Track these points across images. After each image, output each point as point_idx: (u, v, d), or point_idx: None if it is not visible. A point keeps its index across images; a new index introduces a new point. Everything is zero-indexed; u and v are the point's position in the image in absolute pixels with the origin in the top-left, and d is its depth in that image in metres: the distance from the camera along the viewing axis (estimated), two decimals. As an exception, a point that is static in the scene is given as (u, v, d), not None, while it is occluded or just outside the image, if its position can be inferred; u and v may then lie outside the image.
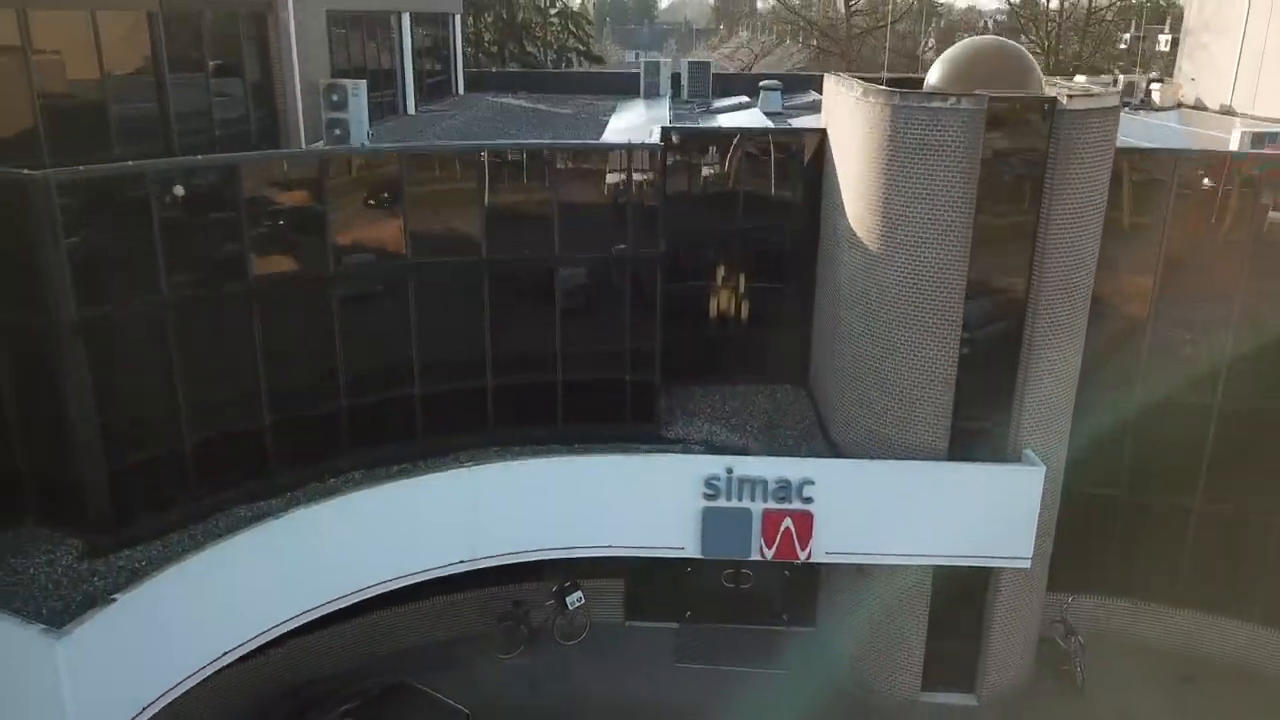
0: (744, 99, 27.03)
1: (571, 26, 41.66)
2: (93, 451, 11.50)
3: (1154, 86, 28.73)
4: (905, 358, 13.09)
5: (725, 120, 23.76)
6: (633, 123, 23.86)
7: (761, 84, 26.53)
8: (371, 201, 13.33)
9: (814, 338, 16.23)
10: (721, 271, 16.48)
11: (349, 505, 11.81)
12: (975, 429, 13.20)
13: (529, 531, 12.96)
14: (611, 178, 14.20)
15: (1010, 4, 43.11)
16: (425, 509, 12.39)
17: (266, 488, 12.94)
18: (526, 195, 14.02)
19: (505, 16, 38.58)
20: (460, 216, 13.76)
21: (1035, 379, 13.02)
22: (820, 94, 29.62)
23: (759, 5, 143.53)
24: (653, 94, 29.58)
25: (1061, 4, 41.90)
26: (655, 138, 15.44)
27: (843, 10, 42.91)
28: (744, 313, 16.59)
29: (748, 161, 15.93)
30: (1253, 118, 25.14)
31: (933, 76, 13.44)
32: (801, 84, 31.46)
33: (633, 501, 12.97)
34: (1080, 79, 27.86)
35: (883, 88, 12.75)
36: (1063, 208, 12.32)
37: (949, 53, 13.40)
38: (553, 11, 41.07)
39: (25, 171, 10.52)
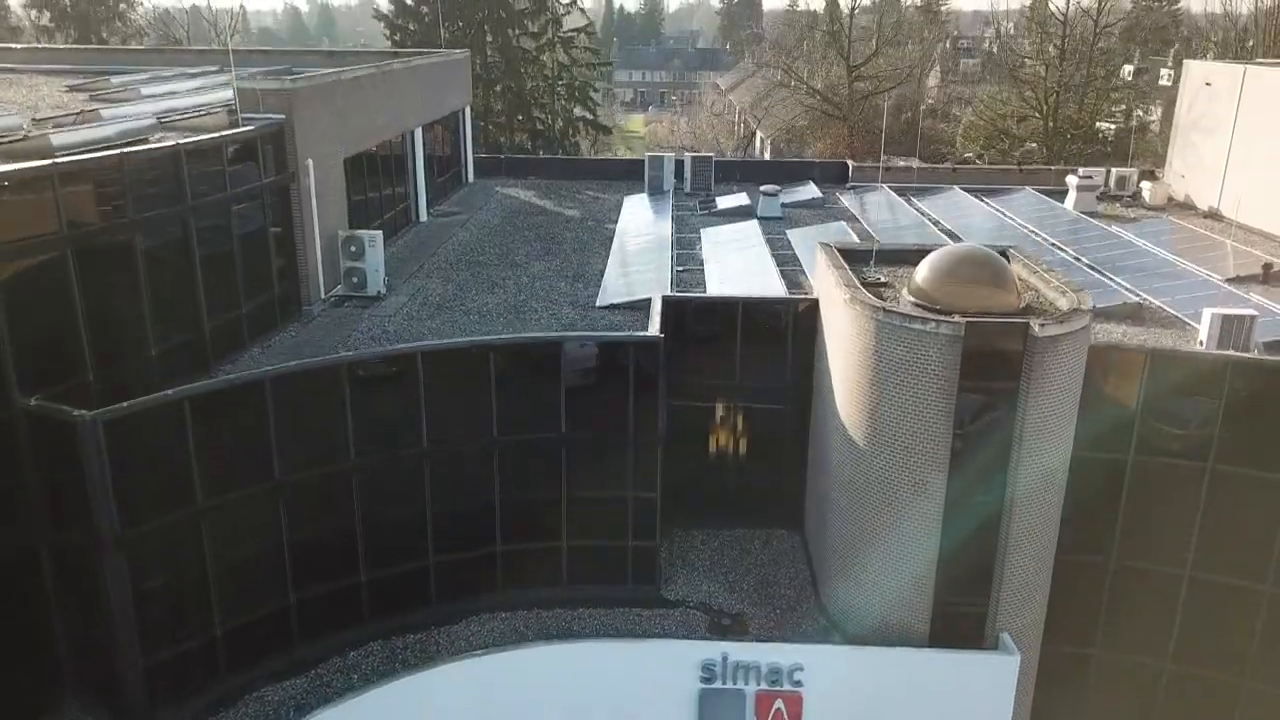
0: (744, 201, 27.85)
1: (578, 95, 42.56)
2: (131, 650, 12.39)
3: (1144, 185, 29.52)
4: (889, 544, 13.92)
5: (728, 233, 24.62)
6: (637, 233, 24.69)
7: (762, 189, 27.41)
8: (390, 393, 14.20)
9: (806, 491, 17.07)
10: (722, 423, 17.37)
11: (364, 704, 12.69)
12: (955, 612, 14.02)
13: (536, 712, 13.83)
14: (615, 361, 15.07)
15: (1013, 74, 43.79)
16: (438, 697, 13.27)
17: (292, 665, 13.84)
18: (534, 379, 14.89)
19: (514, 88, 39.49)
20: (473, 402, 14.62)
21: (1013, 568, 13.84)
22: (819, 187, 30.54)
23: (766, 13, 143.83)
24: (656, 187, 30.42)
25: (1060, 76, 42.61)
26: (657, 307, 16.29)
27: (845, 75, 43.72)
28: (742, 462, 17.43)
29: (746, 323, 16.77)
30: (1240, 227, 25.94)
31: (919, 274, 14.23)
32: (802, 171, 32.29)
33: (634, 683, 13.82)
34: (1071, 180, 28.67)
35: (870, 300, 13.56)
36: (1037, 414, 13.12)
37: (934, 259, 14.19)
38: (560, 83, 41.93)
39: (76, 412, 11.42)
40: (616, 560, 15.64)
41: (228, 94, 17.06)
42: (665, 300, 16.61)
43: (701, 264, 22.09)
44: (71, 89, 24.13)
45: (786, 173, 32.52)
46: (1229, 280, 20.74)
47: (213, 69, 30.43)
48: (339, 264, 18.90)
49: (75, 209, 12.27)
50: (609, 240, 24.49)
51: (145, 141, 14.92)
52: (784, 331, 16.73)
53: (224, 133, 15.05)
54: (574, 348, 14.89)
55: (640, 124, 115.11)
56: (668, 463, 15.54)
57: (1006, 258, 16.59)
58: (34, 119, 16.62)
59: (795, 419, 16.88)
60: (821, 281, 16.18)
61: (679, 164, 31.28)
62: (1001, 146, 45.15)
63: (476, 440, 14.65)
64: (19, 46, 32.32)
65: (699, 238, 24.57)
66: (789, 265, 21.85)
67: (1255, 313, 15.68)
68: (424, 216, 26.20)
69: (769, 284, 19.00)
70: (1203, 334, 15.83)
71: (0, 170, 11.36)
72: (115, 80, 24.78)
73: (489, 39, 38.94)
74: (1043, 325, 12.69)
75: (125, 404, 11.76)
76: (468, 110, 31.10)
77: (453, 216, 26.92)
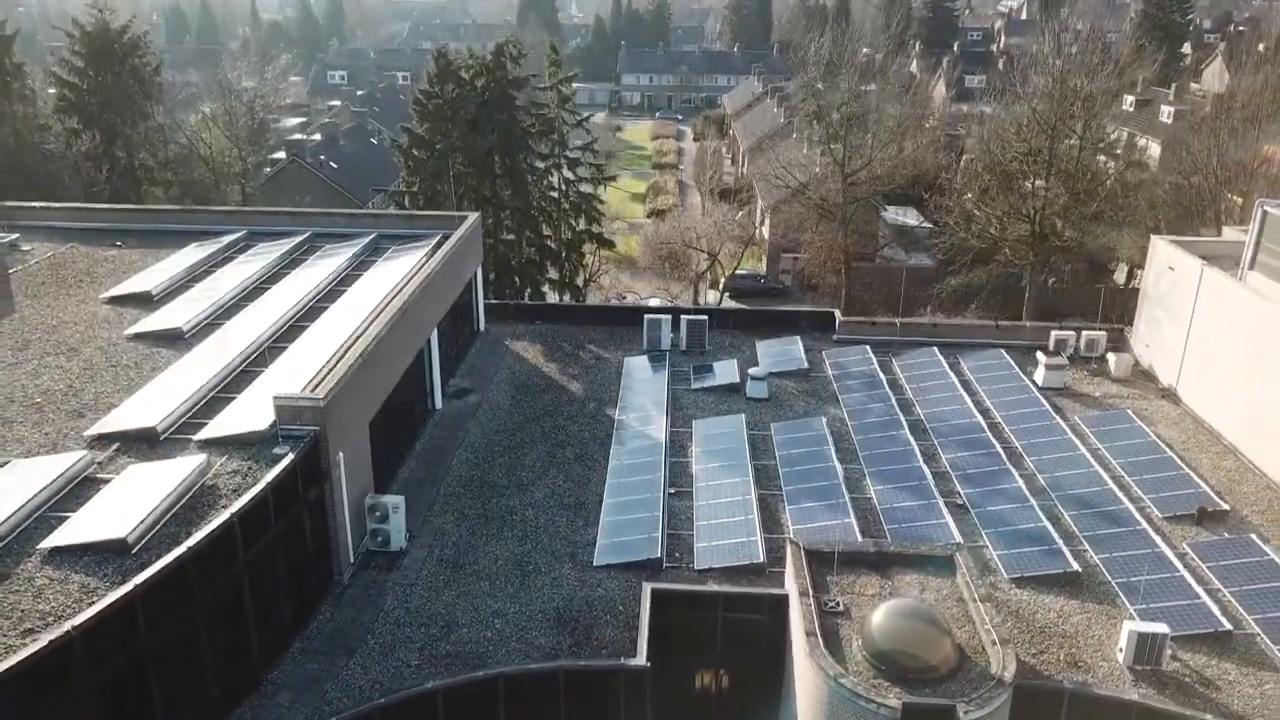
0: (734, 378, 29.96)
1: (584, 210, 44.29)
2: None
3: (1110, 357, 31.42)
4: None
5: (718, 435, 26.79)
6: (635, 434, 26.85)
7: (750, 372, 29.55)
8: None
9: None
10: (703, 688, 19.91)
11: None
12: None
13: None
14: (605, 683, 17.47)
15: (1005, 180, 45.36)
16: None
17: None
18: (535, 699, 17.33)
19: (521, 207, 41.32)
20: None
21: None
22: (807, 341, 32.54)
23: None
24: (654, 345, 32.63)
25: (1046, 188, 44.23)
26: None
27: (840, 180, 45.34)
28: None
29: (726, 609, 19.20)
30: (1193, 419, 27.97)
31: (873, 623, 16.50)
32: (791, 321, 34.37)
33: None
34: (1040, 358, 30.58)
35: (827, 665, 15.82)
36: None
37: (885, 615, 16.43)
38: (567, 200, 43.64)
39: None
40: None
41: (269, 411, 19.16)
42: (654, 593, 18.99)
43: (692, 481, 24.36)
44: (112, 301, 26.32)
45: (777, 321, 34.61)
46: (1167, 519, 22.97)
47: (240, 231, 32.56)
48: (365, 523, 21.22)
49: (151, 609, 14.59)
50: (609, 437, 26.73)
51: (201, 489, 17.24)
52: (760, 618, 19.10)
53: (269, 480, 17.28)
54: (571, 670, 17.29)
55: (647, 135, 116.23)
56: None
57: (953, 563, 18.93)
58: (96, 434, 18.88)
59: (769, 689, 19.31)
60: (789, 589, 18.47)
61: (675, 318, 33.36)
62: (987, 245, 46.80)
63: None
64: (57, 206, 34.41)
65: (691, 436, 26.75)
66: (771, 486, 24.11)
67: (1167, 630, 17.93)
68: (439, 403, 28.40)
69: (750, 544, 21.18)
70: (1121, 642, 18.10)
71: (97, 611, 13.69)
72: (154, 289, 26.85)
73: (498, 161, 40.66)
74: (967, 711, 15.01)
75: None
76: (479, 270, 33.10)
77: (465, 398, 29.09)
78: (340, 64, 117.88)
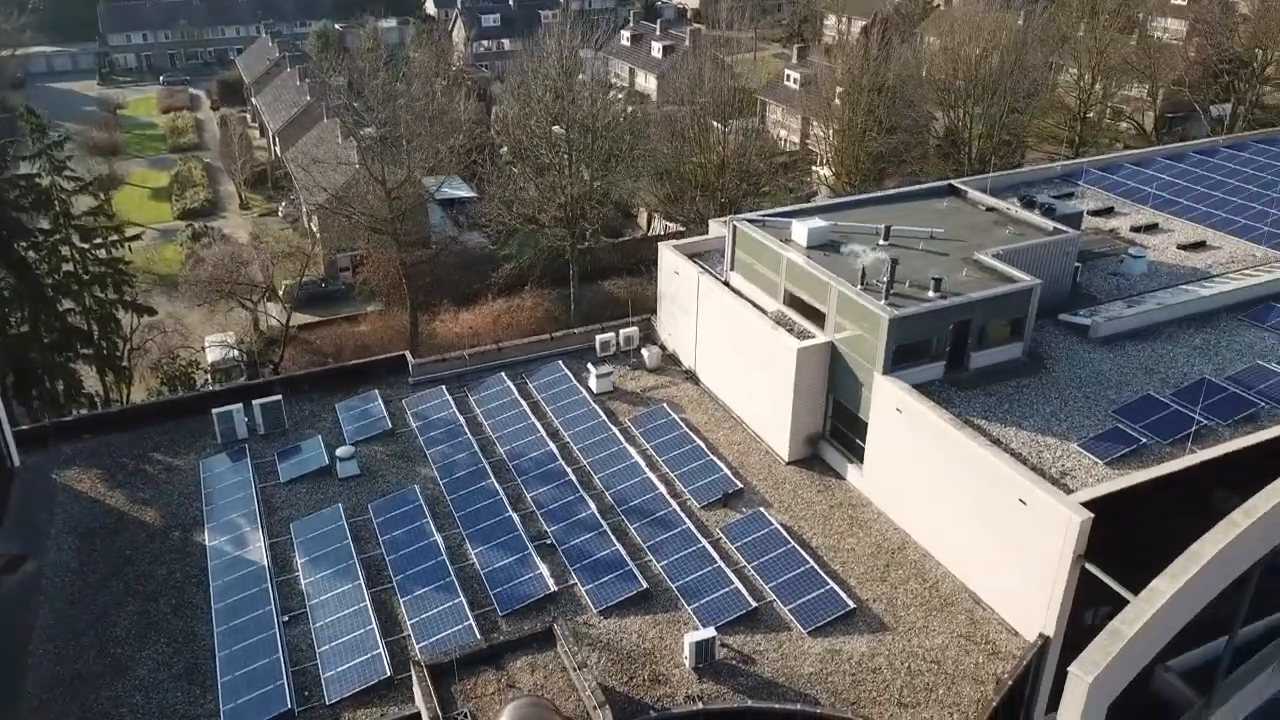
0: (324, 461, 30.31)
1: (111, 280, 39.45)
2: None
3: (644, 351, 36.81)
4: None
5: (317, 534, 27.36)
6: (234, 564, 26.44)
7: (338, 452, 30.12)
8: None
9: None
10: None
11: None
12: None
13: None
14: None
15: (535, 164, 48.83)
16: None
17: None
18: None
19: (30, 293, 35.81)
20: None
21: None
22: (384, 393, 33.75)
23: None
24: (230, 439, 31.63)
25: (571, 176, 48.65)
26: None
27: (384, 197, 45.59)
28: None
29: None
30: (714, 400, 34.19)
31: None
32: (368, 373, 35.15)
33: None
34: (591, 369, 34.96)
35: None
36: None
37: (512, 713, 19.23)
38: (85, 274, 38.49)
39: None
40: None
41: None
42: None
43: (305, 598, 24.99)
44: None
45: (352, 375, 35.11)
46: (704, 508, 28.52)
47: None
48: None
49: None
50: (205, 572, 26.03)
51: None
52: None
53: None
54: None
55: (155, 106, 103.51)
56: None
57: (553, 634, 22.28)
58: None
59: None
60: (420, 709, 20.59)
61: (246, 402, 32.36)
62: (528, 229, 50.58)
63: None
64: None
65: (293, 547, 26.96)
66: (383, 579, 25.57)
67: (714, 633, 23.11)
68: (-11, 588, 25.40)
69: (375, 660, 22.71)
70: (686, 652, 22.99)
71: None
72: None
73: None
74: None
75: None
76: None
77: (21, 569, 26.25)
78: None
